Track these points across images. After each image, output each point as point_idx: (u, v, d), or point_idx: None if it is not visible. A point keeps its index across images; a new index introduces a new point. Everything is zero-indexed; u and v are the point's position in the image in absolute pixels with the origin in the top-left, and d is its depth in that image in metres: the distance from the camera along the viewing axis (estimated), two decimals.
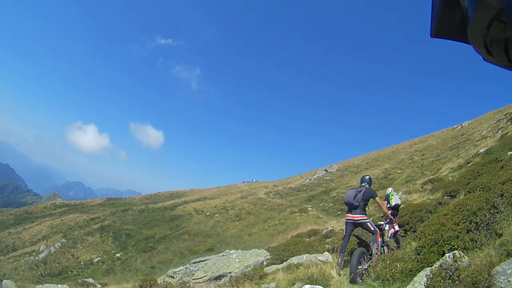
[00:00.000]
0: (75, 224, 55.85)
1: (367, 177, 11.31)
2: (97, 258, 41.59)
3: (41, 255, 44.32)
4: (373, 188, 10.91)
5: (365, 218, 10.29)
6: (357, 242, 10.94)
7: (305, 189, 60.89)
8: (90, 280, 20.42)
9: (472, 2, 1.38)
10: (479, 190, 11.54)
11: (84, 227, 54.00)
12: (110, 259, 40.99)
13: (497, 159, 16.04)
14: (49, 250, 45.60)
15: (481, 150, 22.89)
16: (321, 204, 46.33)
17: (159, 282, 13.42)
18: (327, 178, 66.79)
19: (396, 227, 12.33)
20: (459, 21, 1.41)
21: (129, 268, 36.34)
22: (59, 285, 13.63)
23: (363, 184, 11.06)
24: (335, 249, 13.74)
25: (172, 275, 14.88)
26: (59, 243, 47.06)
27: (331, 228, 20.65)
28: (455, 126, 73.16)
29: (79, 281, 20.23)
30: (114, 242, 46.75)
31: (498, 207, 8.91)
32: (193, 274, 14.32)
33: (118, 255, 41.64)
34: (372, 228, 10.22)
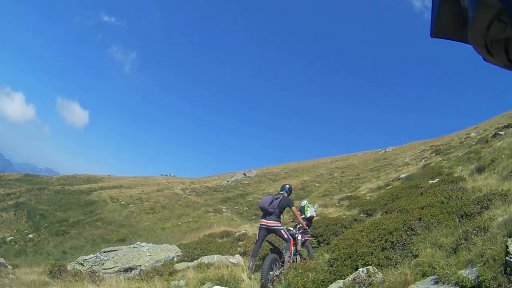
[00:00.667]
0: None
1: (287, 186, 11.36)
2: (10, 237, 39.54)
3: None
4: (290, 198, 10.89)
5: (279, 225, 10.28)
6: (270, 249, 10.91)
7: (221, 190, 61.14)
8: (1, 260, 19.44)
9: (472, 2, 1.35)
10: (397, 212, 11.89)
11: None
12: (22, 239, 39.17)
13: (417, 185, 16.68)
14: None
15: (402, 175, 23.83)
16: (236, 207, 46.74)
17: (68, 269, 12.93)
18: (245, 182, 67.43)
19: (306, 236, 12.39)
20: (459, 21, 1.37)
21: (41, 251, 34.94)
22: None
23: (282, 192, 11.06)
24: (247, 252, 13.69)
25: (82, 262, 14.34)
26: None
27: (244, 231, 20.75)
28: (379, 149, 76.20)
29: None
30: (28, 221, 44.70)
31: (415, 229, 9.09)
32: (103, 264, 13.89)
33: (30, 235, 39.85)
34: (286, 236, 10.21)
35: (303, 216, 12.64)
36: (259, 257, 11.15)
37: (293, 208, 10.58)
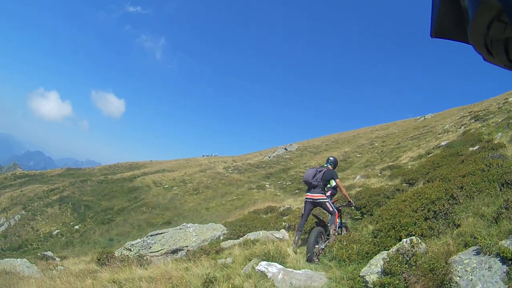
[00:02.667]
0: (35, 195, 54.75)
1: (332, 158, 11.28)
2: (56, 231, 40.72)
3: (1, 228, 43.45)
4: (334, 170, 10.92)
5: (324, 197, 10.28)
6: (315, 222, 10.97)
7: (263, 166, 60.95)
8: (49, 253, 20.14)
9: (472, 2, 1.34)
10: (439, 181, 11.69)
11: (43, 198, 52.98)
12: (69, 231, 40.19)
13: (458, 153, 16.35)
14: (9, 222, 44.71)
15: (443, 143, 23.35)
16: (279, 182, 46.49)
17: (116, 255, 13.30)
18: (286, 156, 66.98)
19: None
20: (459, 21, 1.37)
21: (87, 241, 35.73)
22: (18, 259, 13.33)
23: (326, 164, 11.07)
24: (292, 227, 13.77)
25: (129, 247, 14.71)
26: (19, 215, 46.18)
27: (288, 206, 20.67)
28: (418, 117, 74.43)
29: (39, 254, 19.94)
30: (73, 213, 45.92)
31: (457, 198, 9.03)
32: (150, 247, 14.19)
33: (76, 227, 40.89)
34: (331, 209, 10.21)
35: (329, 185, 12.79)
36: (305, 231, 11.19)
37: (337, 180, 10.55)
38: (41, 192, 55.56)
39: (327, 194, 10.58)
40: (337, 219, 10.39)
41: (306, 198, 10.58)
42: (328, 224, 10.18)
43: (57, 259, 18.38)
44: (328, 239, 9.82)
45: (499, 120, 21.96)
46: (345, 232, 10.93)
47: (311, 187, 10.50)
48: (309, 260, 9.05)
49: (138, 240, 15.50)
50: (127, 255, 13.24)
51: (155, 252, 13.72)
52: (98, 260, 12.78)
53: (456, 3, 1.36)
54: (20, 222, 44.54)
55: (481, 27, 1.34)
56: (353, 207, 12.66)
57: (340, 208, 11.07)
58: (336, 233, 10.13)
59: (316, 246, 9.45)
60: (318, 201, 10.30)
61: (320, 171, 10.59)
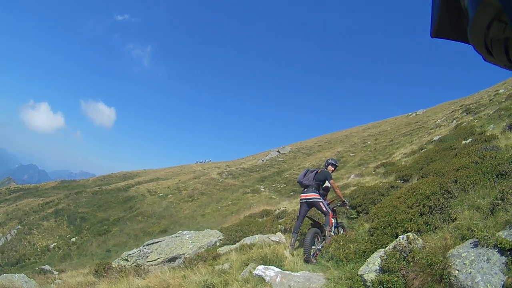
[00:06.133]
0: (30, 209, 54.45)
1: (330, 160, 11.36)
2: (53, 244, 40.56)
3: None
4: (328, 171, 10.90)
5: (318, 197, 10.27)
6: (311, 223, 10.94)
7: (257, 169, 61.10)
8: (47, 267, 20.08)
9: (472, 2, 1.34)
10: (433, 175, 11.73)
11: (39, 211, 52.71)
12: (65, 244, 40.08)
13: (451, 147, 16.41)
14: (6, 238, 44.45)
15: (435, 138, 23.45)
16: (273, 185, 46.60)
17: (114, 266, 13.21)
18: (280, 159, 67.22)
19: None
20: (459, 21, 1.36)
21: (85, 253, 35.72)
22: (16, 275, 13.24)
23: (323, 166, 11.15)
24: (288, 229, 13.76)
25: (126, 258, 14.63)
26: (15, 230, 45.91)
27: (284, 208, 20.68)
28: (410, 113, 75.06)
29: (36, 268, 19.89)
30: (69, 226, 45.75)
31: (452, 192, 9.06)
32: (147, 257, 14.12)
33: (73, 239, 40.75)
34: (324, 209, 10.19)
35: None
36: (301, 233, 11.17)
37: (331, 181, 10.50)
38: (36, 206, 55.27)
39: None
40: (332, 219, 10.40)
41: (300, 199, 10.61)
42: (324, 225, 10.15)
43: (55, 272, 18.32)
44: (324, 239, 9.81)
45: (491, 112, 22.07)
46: (342, 231, 10.92)
47: (304, 187, 10.55)
48: (307, 261, 9.03)
49: (135, 250, 15.42)
50: (125, 266, 13.15)
51: (152, 261, 13.65)
52: (96, 272, 12.71)
53: (456, 3, 1.35)
54: (17, 236, 44.29)
55: (481, 27, 1.33)
56: (347, 207, 12.67)
57: (335, 208, 11.08)
58: (332, 233, 10.12)
59: (313, 247, 9.45)
60: (311, 200, 10.29)
61: (312, 171, 10.69)
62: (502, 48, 1.32)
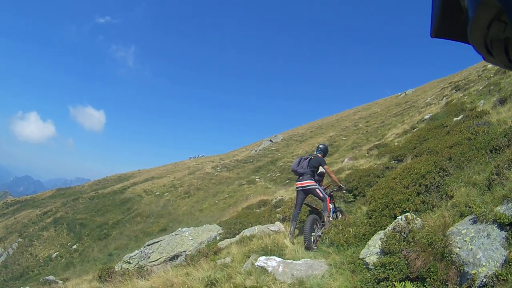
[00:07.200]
0: (29, 220, 53.97)
1: (321, 146, 11.29)
2: (55, 253, 40.27)
3: (0, 259, 42.98)
4: (321, 156, 10.90)
5: (314, 184, 10.30)
6: (309, 210, 10.95)
7: (251, 160, 60.93)
8: (51, 277, 20.07)
9: (472, 2, 1.30)
10: (427, 154, 11.77)
11: (38, 222, 52.27)
12: (67, 252, 39.82)
13: (442, 124, 16.41)
14: (8, 252, 44.19)
15: (426, 116, 23.47)
16: (268, 175, 46.48)
17: (116, 270, 13.21)
18: (273, 148, 67.02)
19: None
20: (459, 21, 1.35)
21: (87, 259, 35.50)
22: None
23: (316, 152, 11.09)
24: (286, 218, 13.77)
25: (128, 260, 14.61)
26: (16, 244, 45.58)
27: (281, 197, 20.68)
28: (399, 93, 75.12)
29: (41, 280, 19.87)
30: (69, 233, 45.39)
31: (447, 170, 9.09)
32: (149, 257, 14.10)
33: (74, 247, 40.50)
34: (321, 195, 10.23)
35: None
36: (299, 220, 11.18)
37: (326, 166, 10.56)
38: (35, 217, 54.92)
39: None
40: (330, 205, 10.42)
41: (296, 187, 10.64)
42: (322, 211, 10.18)
43: (60, 282, 18.33)
44: (323, 225, 9.82)
45: (480, 88, 22.10)
46: (340, 216, 10.97)
47: (299, 175, 10.57)
48: (307, 248, 9.04)
49: (136, 251, 15.42)
50: (127, 268, 13.15)
51: (154, 261, 13.63)
52: (100, 277, 12.68)
53: (456, 3, 1.32)
54: (18, 250, 44.00)
55: (481, 27, 1.30)
56: (344, 191, 12.69)
57: (331, 193, 11.12)
58: (331, 219, 10.15)
59: (313, 233, 9.47)
60: (307, 187, 10.32)
61: (306, 159, 10.70)
62: (502, 48, 1.30)
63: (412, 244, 6.20)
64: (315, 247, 9.12)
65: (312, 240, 9.27)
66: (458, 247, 5.39)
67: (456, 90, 29.83)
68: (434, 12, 1.37)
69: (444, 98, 29.69)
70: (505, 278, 4.65)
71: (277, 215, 15.25)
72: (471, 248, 5.25)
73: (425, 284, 5.44)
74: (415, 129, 21.44)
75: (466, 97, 22.10)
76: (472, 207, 5.99)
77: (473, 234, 5.47)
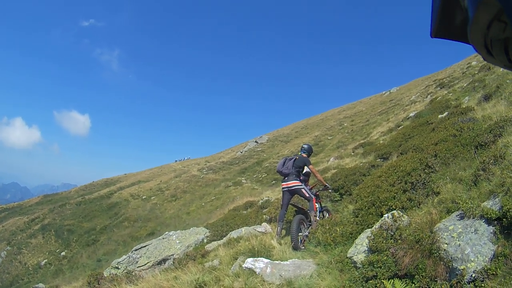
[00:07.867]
0: (17, 228, 53.37)
1: (305, 146, 11.27)
2: (44, 261, 39.83)
3: None
4: (305, 156, 10.88)
5: (299, 184, 10.29)
6: (295, 211, 10.94)
7: (237, 162, 60.87)
8: (41, 285, 19.93)
9: (472, 2, 1.28)
10: (412, 152, 11.81)
11: (25, 230, 51.66)
12: (56, 259, 39.40)
13: (427, 122, 16.50)
14: None
15: (411, 114, 23.63)
16: (254, 176, 46.43)
17: (105, 275, 13.11)
18: (258, 149, 66.98)
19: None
20: (459, 21, 1.35)
21: (76, 265, 35.17)
22: None
23: (301, 152, 11.06)
24: (273, 219, 13.74)
25: (117, 266, 14.49)
26: (4, 252, 45.09)
27: (267, 198, 20.67)
28: (384, 92, 75.56)
29: None
30: (57, 240, 44.93)
31: (432, 166, 9.11)
32: (137, 262, 14.00)
33: (63, 253, 40.07)
34: (307, 195, 10.22)
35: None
36: (286, 221, 11.15)
37: (311, 166, 10.57)
38: (22, 224, 54.33)
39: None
40: (316, 204, 10.42)
41: (282, 188, 10.60)
42: (308, 211, 10.17)
43: None
44: (310, 225, 9.81)
45: (465, 85, 22.27)
46: (327, 215, 10.96)
47: (284, 176, 10.56)
48: (295, 248, 9.02)
49: (124, 256, 15.30)
50: (116, 274, 13.04)
51: (142, 266, 13.53)
52: (89, 284, 12.62)
53: (456, 3, 1.31)
54: (7, 258, 43.57)
55: (481, 27, 1.27)
56: (330, 190, 12.70)
57: (317, 193, 11.11)
58: (318, 218, 10.14)
59: (300, 233, 9.46)
60: (293, 188, 10.31)
61: (291, 159, 10.69)
62: (502, 48, 1.29)
63: (399, 241, 6.20)
64: (303, 247, 9.11)
65: (299, 240, 9.27)
66: (446, 243, 5.38)
67: (441, 88, 30.09)
68: (434, 12, 1.36)
69: (429, 96, 29.93)
70: (494, 272, 4.65)
71: (264, 216, 15.21)
72: (459, 244, 5.24)
73: (414, 281, 5.43)
74: (400, 127, 21.54)
75: (451, 94, 22.27)
76: (459, 203, 5.99)
77: (460, 230, 5.46)
